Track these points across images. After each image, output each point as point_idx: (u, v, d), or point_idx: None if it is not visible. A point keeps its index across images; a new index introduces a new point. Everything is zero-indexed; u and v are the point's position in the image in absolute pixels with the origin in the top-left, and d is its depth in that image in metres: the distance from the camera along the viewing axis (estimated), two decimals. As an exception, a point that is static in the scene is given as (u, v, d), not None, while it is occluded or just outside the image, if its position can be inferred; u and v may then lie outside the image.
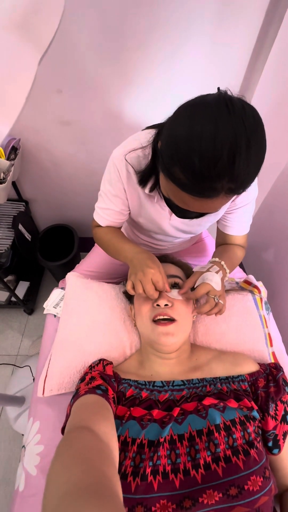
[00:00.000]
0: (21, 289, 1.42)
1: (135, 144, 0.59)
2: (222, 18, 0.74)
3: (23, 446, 0.64)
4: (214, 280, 0.60)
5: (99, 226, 0.72)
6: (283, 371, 0.60)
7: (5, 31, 0.23)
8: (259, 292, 0.82)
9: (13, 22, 0.23)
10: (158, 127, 0.58)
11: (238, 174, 0.38)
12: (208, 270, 0.62)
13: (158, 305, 0.59)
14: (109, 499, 0.28)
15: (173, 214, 0.67)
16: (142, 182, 0.60)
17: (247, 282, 0.84)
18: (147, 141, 0.58)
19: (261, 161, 0.40)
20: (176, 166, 0.40)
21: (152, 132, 0.58)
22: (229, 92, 0.40)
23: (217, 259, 0.66)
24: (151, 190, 0.60)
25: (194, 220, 0.66)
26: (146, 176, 0.58)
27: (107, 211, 0.68)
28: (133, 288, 0.57)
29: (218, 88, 0.42)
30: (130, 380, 0.59)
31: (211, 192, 0.40)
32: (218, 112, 0.37)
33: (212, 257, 0.69)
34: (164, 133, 0.45)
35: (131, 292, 0.58)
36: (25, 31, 0.24)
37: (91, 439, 0.37)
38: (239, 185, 0.40)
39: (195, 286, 0.61)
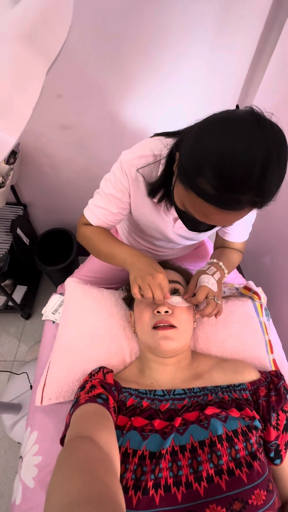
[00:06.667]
0: (19, 293, 1.40)
1: (147, 151, 0.58)
2: (222, 26, 0.74)
3: (20, 457, 0.63)
4: (210, 282, 0.61)
5: (88, 224, 0.68)
6: (284, 379, 0.59)
7: (14, 42, 0.23)
8: (259, 298, 0.82)
9: (22, 33, 0.23)
10: (171, 135, 0.58)
11: (265, 188, 0.39)
12: (205, 272, 0.62)
13: (158, 312, 0.59)
14: (112, 510, 0.28)
15: (177, 222, 0.67)
16: (152, 193, 0.59)
17: (247, 288, 0.84)
18: (159, 150, 0.57)
19: (283, 176, 0.41)
20: (203, 176, 0.40)
21: (164, 141, 0.58)
22: (256, 109, 0.41)
23: (214, 260, 0.67)
24: (159, 200, 0.60)
25: None
26: (157, 188, 0.58)
27: (102, 211, 0.65)
28: (140, 292, 0.55)
29: (237, 106, 0.43)
30: (130, 388, 0.58)
31: (236, 204, 0.41)
32: (251, 127, 0.38)
33: (210, 258, 0.69)
34: (186, 144, 0.45)
35: (138, 296, 0.55)
36: (33, 42, 0.24)
37: (92, 449, 0.36)
38: (263, 199, 0.41)
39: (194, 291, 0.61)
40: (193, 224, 0.53)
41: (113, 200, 0.63)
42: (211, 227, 0.55)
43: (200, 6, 0.70)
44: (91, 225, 0.68)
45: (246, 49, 0.80)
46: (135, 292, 0.55)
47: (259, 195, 0.40)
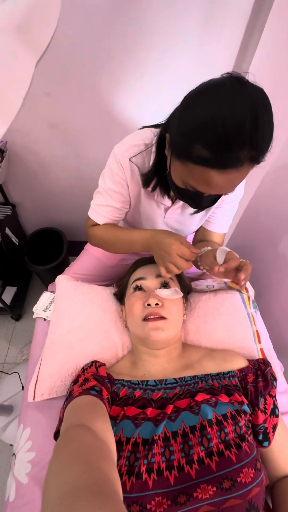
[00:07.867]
0: (8, 294, 1.38)
1: (138, 141, 0.59)
2: (208, 21, 0.76)
3: (13, 454, 0.62)
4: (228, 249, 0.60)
5: (96, 225, 0.70)
6: (271, 366, 0.62)
7: (3, 34, 0.24)
8: (247, 291, 0.85)
9: (11, 26, 0.24)
10: (159, 126, 0.60)
11: (259, 140, 0.40)
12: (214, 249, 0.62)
13: (149, 304, 0.60)
14: (109, 498, 0.28)
15: (167, 212, 0.69)
16: (146, 183, 0.61)
17: (235, 282, 0.87)
18: (150, 139, 0.59)
19: (273, 128, 0.42)
20: (197, 143, 0.41)
21: (154, 130, 0.59)
22: (233, 72, 0.42)
23: (208, 248, 0.67)
24: (153, 189, 0.61)
25: (187, 217, 0.68)
26: (151, 176, 0.59)
27: (106, 208, 0.67)
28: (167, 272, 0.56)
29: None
30: (123, 380, 0.59)
31: (235, 161, 0.41)
32: (232, 86, 0.39)
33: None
34: (174, 122, 0.46)
35: (168, 276, 0.57)
36: (23, 34, 0.25)
37: (89, 437, 0.37)
38: (259, 152, 0.42)
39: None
40: (196, 201, 0.54)
41: (113, 194, 0.65)
42: (212, 202, 0.56)
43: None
44: (99, 225, 0.69)
45: (231, 43, 0.81)
46: (164, 274, 0.56)
47: (254, 148, 0.40)
